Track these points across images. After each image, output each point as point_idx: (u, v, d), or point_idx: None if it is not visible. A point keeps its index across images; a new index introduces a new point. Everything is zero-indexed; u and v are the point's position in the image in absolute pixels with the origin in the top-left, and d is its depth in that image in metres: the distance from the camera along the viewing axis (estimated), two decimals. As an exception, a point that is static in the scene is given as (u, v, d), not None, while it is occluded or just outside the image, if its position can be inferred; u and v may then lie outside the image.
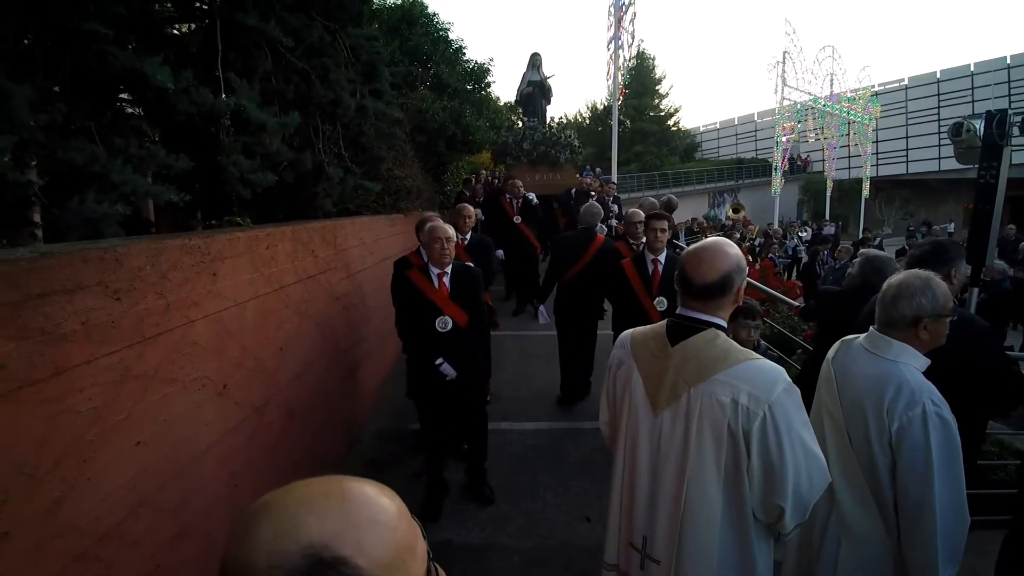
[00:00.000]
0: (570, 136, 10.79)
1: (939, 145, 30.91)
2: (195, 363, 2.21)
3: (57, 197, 2.28)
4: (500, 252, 7.31)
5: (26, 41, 2.43)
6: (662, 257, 3.99)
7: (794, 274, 14.38)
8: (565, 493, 3.80)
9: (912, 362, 1.83)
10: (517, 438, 4.51)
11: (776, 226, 18.52)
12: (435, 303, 3.39)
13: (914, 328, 1.83)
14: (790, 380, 1.53)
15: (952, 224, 22.66)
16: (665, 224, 3.98)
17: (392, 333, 5.68)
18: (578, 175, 11.20)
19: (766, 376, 1.52)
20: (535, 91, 10.86)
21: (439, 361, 3.38)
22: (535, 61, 10.84)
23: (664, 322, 1.75)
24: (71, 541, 1.60)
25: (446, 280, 3.45)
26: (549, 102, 11.21)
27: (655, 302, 3.91)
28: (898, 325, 1.85)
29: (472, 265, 3.79)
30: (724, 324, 1.66)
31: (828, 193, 25.74)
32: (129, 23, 2.68)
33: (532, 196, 7.59)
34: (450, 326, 3.37)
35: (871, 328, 1.97)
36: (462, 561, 3.15)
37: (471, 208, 4.92)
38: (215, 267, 2.36)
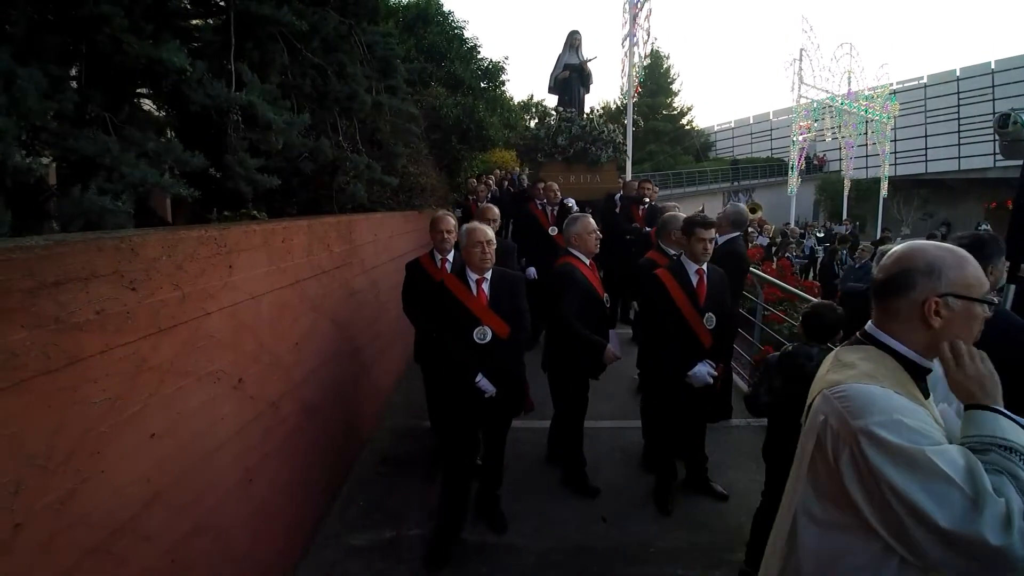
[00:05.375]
0: (613, 131, 9.10)
1: (959, 144, 30.48)
2: (210, 356, 2.18)
3: (67, 188, 2.26)
4: (532, 271, 6.34)
5: (41, 28, 2.40)
6: (705, 267, 3.47)
7: (811, 275, 14.21)
8: (581, 493, 3.74)
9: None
10: (531, 437, 4.46)
11: (793, 225, 18.33)
12: (473, 313, 3.09)
13: None
14: (899, 408, 1.22)
15: (988, 224, 22.27)
16: (714, 233, 3.44)
17: (406, 331, 5.67)
18: (621, 178, 9.59)
19: (862, 399, 1.26)
20: (572, 76, 9.33)
21: (478, 378, 3.07)
22: (573, 41, 9.30)
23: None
24: (84, 534, 1.58)
25: (485, 287, 3.16)
26: (588, 90, 9.67)
27: (704, 320, 3.37)
28: None
29: (510, 271, 3.49)
30: (897, 346, 1.35)
31: (845, 193, 25.47)
32: (145, 13, 2.67)
33: (572, 202, 6.50)
34: (489, 337, 3.08)
35: None
36: (475, 561, 3.11)
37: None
38: (231, 259, 2.33)
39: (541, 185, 6.79)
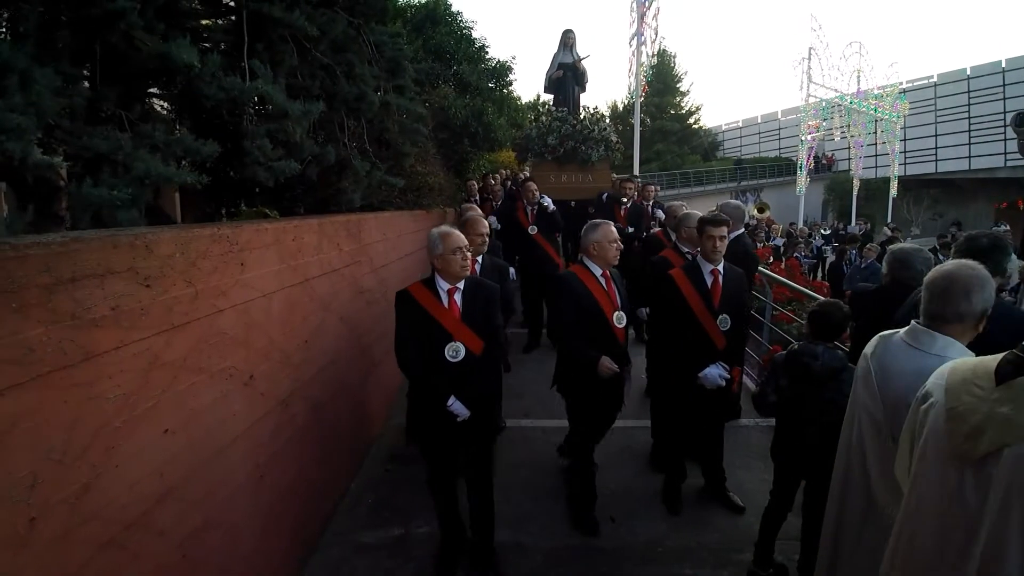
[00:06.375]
0: (606, 130, 8.94)
1: (969, 144, 30.29)
2: (222, 353, 2.20)
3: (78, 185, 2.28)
4: (512, 271, 6.05)
5: (54, 27, 2.43)
6: (721, 267, 3.39)
7: (819, 274, 14.15)
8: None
9: (957, 356, 1.74)
10: (539, 436, 4.47)
11: (801, 225, 18.23)
12: (443, 326, 2.78)
13: (977, 322, 1.78)
14: None
15: (1006, 224, 22.05)
16: (724, 231, 3.32)
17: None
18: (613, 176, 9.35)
19: None
20: (566, 75, 9.06)
21: (450, 402, 2.78)
22: (567, 40, 9.04)
23: (1003, 354, 1.34)
24: (99, 529, 1.59)
25: (457, 298, 2.84)
26: (584, 89, 9.36)
27: (718, 320, 3.32)
28: (952, 320, 1.79)
29: (486, 280, 3.18)
30: None
31: (855, 192, 25.29)
32: (157, 13, 2.69)
33: (548, 201, 6.35)
34: (462, 355, 2.78)
35: (912, 322, 1.90)
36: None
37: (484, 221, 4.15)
38: (243, 257, 2.35)
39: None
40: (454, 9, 11.54)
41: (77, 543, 1.52)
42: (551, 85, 9.33)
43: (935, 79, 31.82)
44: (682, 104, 41.23)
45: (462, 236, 2.85)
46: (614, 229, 3.31)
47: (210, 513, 2.12)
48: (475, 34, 11.84)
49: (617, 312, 3.27)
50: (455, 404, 2.78)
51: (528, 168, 9.86)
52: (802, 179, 22.30)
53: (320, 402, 3.22)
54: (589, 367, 3.17)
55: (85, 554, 1.54)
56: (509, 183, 9.30)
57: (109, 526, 1.63)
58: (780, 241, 14.92)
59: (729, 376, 3.34)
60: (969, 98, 30.26)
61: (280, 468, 2.70)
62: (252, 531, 2.45)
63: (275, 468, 2.64)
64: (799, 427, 2.76)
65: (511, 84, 12.79)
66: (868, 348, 2.02)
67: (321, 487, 3.26)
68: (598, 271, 3.28)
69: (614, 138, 9.09)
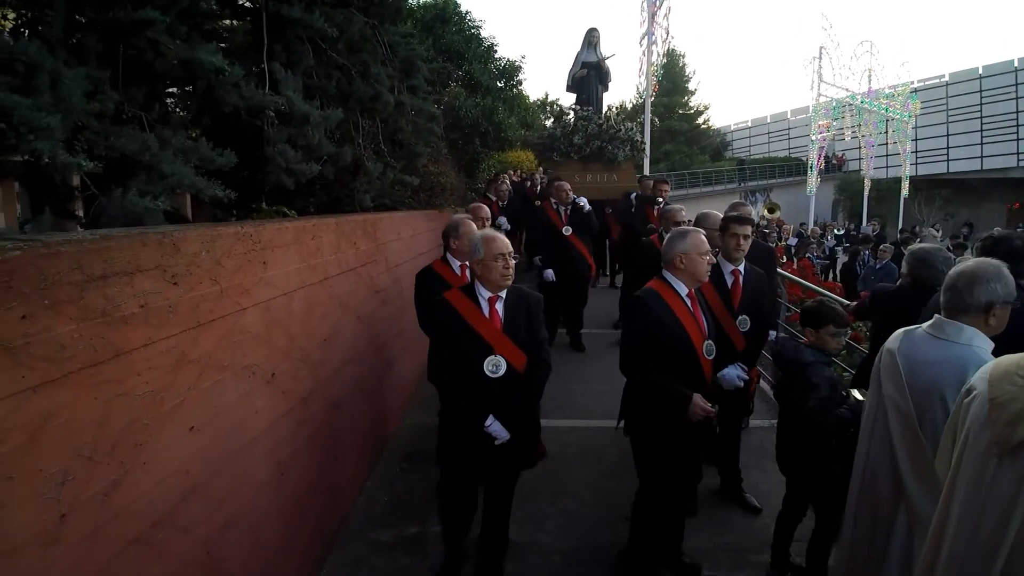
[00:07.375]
0: (631, 129, 8.92)
1: (981, 143, 30.02)
2: (246, 350, 2.21)
3: (104, 186, 2.29)
4: (549, 272, 6.17)
5: (78, 30, 2.45)
6: (743, 268, 3.31)
7: (831, 275, 14.07)
8: (604, 493, 3.73)
9: (985, 346, 1.84)
10: (553, 435, 4.45)
11: (813, 226, 18.12)
12: (484, 338, 2.55)
13: (985, 314, 1.86)
14: None
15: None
16: (748, 230, 3.22)
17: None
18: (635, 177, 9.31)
19: None
20: (590, 74, 9.09)
21: (489, 422, 2.54)
22: (591, 38, 9.08)
23: None
24: (126, 525, 1.60)
25: (499, 307, 2.62)
26: (607, 88, 9.46)
27: (737, 322, 3.25)
28: (970, 311, 1.87)
29: (530, 290, 2.91)
30: None
31: (866, 192, 25.10)
32: (180, 15, 2.71)
33: (584, 201, 6.21)
34: (503, 370, 2.55)
35: (936, 316, 1.96)
36: (500, 559, 3.11)
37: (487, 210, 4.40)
38: (265, 256, 2.36)
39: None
40: (462, 9, 11.52)
41: (106, 539, 1.53)
42: (574, 84, 9.33)
43: (947, 78, 31.58)
44: (690, 104, 41.11)
45: (506, 242, 2.61)
46: (705, 239, 2.77)
47: (233, 510, 2.13)
48: (484, 33, 11.83)
49: (707, 342, 2.76)
50: (494, 425, 2.55)
51: (544, 168, 9.89)
52: (813, 179, 22.14)
53: (339, 400, 3.23)
54: (678, 406, 2.65)
55: (113, 550, 1.55)
56: (528, 183, 9.28)
57: (137, 523, 1.64)
58: (793, 241, 14.88)
59: (747, 377, 3.32)
60: (981, 97, 30.02)
61: (300, 466, 2.71)
62: (274, 528, 2.46)
63: (296, 465, 2.65)
64: (791, 418, 2.84)
65: (520, 84, 12.77)
66: (891, 343, 2.06)
67: (339, 485, 3.28)
68: (683, 290, 2.74)
69: (639, 138, 9.12)
